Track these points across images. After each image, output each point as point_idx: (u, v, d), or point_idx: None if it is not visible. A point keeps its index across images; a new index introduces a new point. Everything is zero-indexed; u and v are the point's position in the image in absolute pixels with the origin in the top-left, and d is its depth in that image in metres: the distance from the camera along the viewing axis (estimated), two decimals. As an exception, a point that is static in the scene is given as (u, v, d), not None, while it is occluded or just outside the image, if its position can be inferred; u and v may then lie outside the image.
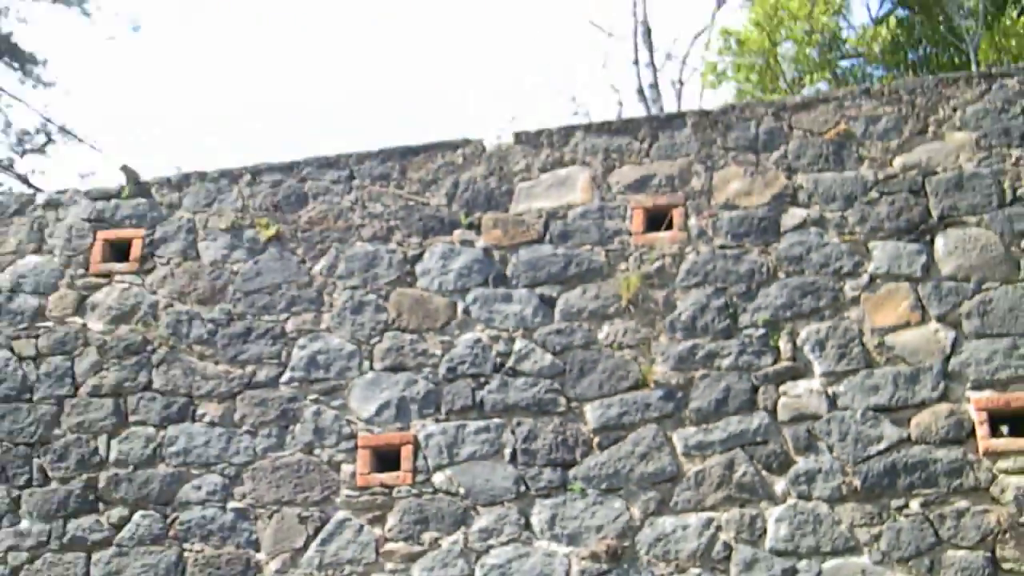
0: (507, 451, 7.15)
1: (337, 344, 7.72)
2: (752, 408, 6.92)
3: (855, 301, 7.08)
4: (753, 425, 6.88)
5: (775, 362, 7.03)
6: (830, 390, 6.89)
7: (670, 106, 20.71)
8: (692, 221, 7.56)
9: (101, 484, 7.62)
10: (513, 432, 7.18)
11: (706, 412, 6.96)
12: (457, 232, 7.91)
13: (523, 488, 7.01)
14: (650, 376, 7.13)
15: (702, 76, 20.74)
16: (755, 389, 6.99)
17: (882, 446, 6.69)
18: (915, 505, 6.52)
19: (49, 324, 8.24)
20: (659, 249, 7.49)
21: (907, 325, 6.96)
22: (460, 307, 7.66)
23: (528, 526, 6.94)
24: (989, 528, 6.38)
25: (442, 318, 7.66)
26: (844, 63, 19.33)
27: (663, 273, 7.41)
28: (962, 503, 6.48)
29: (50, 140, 25.01)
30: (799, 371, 6.97)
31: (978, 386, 6.74)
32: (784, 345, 7.05)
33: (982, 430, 6.61)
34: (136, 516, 7.46)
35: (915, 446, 6.65)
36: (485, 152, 8.18)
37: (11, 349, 8.16)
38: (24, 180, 24.36)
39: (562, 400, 7.21)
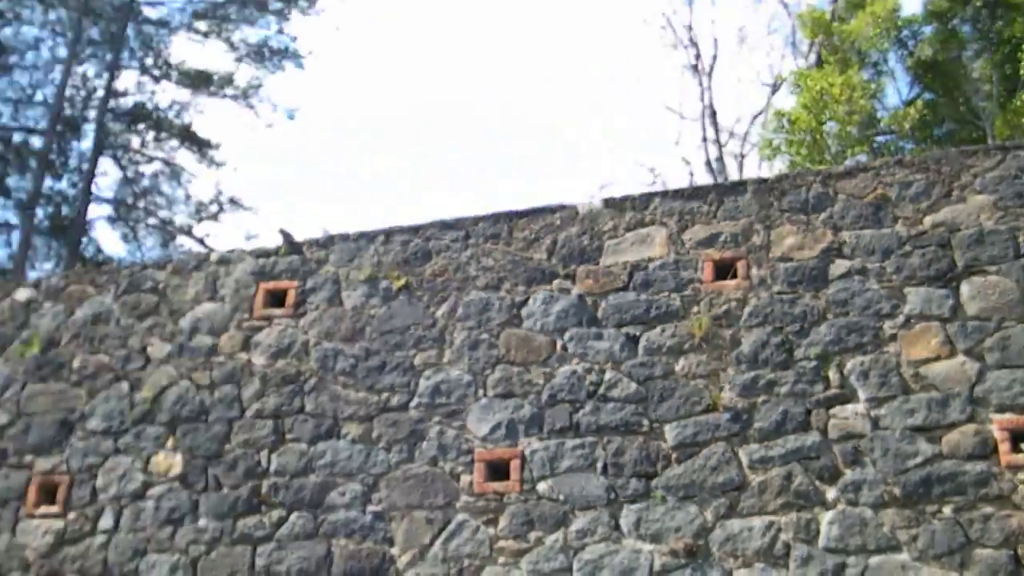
0: (599, 464, 7.84)
1: (457, 375, 8.53)
2: (807, 428, 7.53)
3: (893, 338, 7.65)
4: (808, 442, 7.48)
5: (826, 389, 7.61)
6: (873, 413, 7.44)
7: (733, 175, 21.84)
8: (754, 271, 8.19)
9: (263, 490, 8.51)
10: (604, 448, 7.88)
11: (767, 431, 7.60)
12: (556, 282, 8.65)
13: (613, 495, 7.71)
14: (719, 401, 7.78)
15: (760, 150, 21.61)
16: (809, 412, 7.57)
17: (918, 460, 7.21)
18: (947, 510, 7.03)
19: (221, 359, 9.22)
20: (726, 295, 8.16)
21: (938, 358, 7.52)
22: (559, 344, 8.39)
23: (617, 527, 7.61)
24: (1012, 530, 6.85)
25: (544, 353, 8.41)
26: (880, 139, 19.98)
27: (729, 315, 8.08)
28: (988, 509, 6.96)
29: (221, 209, 27.41)
30: (846, 397, 7.54)
31: (1000, 409, 7.22)
32: (833, 375, 7.65)
33: (1004, 447, 7.08)
34: (292, 516, 8.33)
35: (946, 460, 7.17)
36: (579, 215, 8.89)
37: (191, 379, 9.16)
38: (200, 242, 26.73)
39: (645, 422, 7.90)
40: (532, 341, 8.54)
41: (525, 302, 8.71)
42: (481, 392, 8.45)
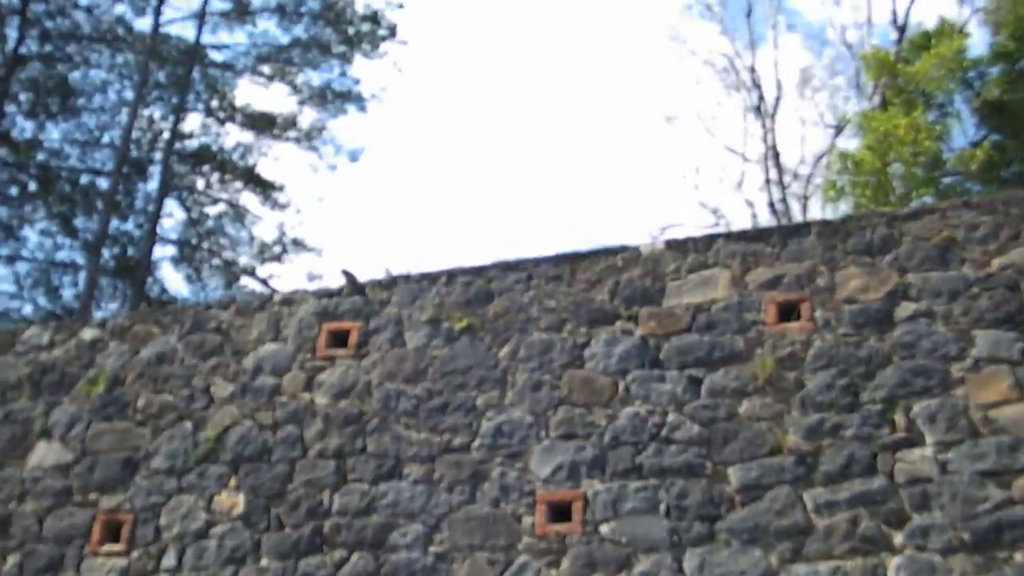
0: (662, 507, 7.90)
1: (519, 416, 8.68)
2: (873, 472, 7.55)
3: (961, 381, 7.69)
4: (874, 486, 7.50)
5: (892, 433, 7.66)
6: (940, 457, 7.45)
7: (797, 217, 22.03)
8: (818, 313, 8.30)
9: (326, 530, 8.64)
10: (667, 491, 7.94)
11: (833, 475, 7.62)
12: (618, 323, 8.81)
13: (676, 538, 7.76)
14: (784, 444, 7.85)
15: (823, 192, 21.70)
16: (875, 456, 7.60)
17: (988, 505, 7.19)
18: (1018, 556, 6.98)
19: (284, 399, 9.43)
20: (790, 337, 8.28)
21: (1007, 402, 7.55)
22: (621, 386, 8.52)
23: (681, 570, 7.64)
24: (1084, 578, 6.81)
25: (606, 395, 8.55)
26: (946, 180, 19.99)
27: (793, 357, 8.19)
28: (1059, 555, 6.90)
29: (285, 250, 28.18)
30: (913, 441, 7.58)
31: (1071, 454, 7.24)
32: (900, 418, 7.71)
33: (1076, 493, 7.05)
34: (354, 557, 8.46)
35: (1017, 505, 7.14)
36: (641, 256, 9.06)
37: (254, 419, 9.41)
38: (264, 283, 27.48)
39: (708, 464, 7.97)
40: (594, 383, 8.70)
41: (587, 343, 8.88)
42: (543, 433, 8.59)
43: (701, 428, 8.21)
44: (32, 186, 29.23)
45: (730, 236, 9.04)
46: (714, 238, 9.07)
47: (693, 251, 9.02)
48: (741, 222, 27.30)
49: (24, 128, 29.60)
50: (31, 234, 29.95)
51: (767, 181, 25.23)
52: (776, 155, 25.54)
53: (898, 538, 7.35)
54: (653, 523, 7.95)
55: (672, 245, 9.15)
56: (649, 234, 27.56)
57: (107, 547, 9.30)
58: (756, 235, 8.98)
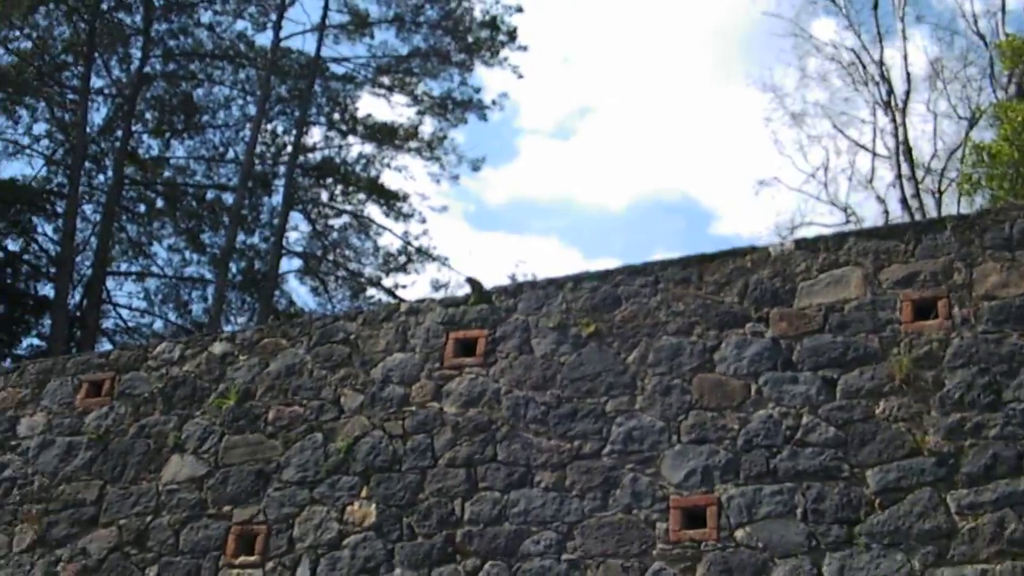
0: (799, 511, 8.08)
1: (649, 421, 8.95)
2: (1019, 472, 7.61)
3: None
4: (1021, 487, 7.55)
5: None
6: None
7: (930, 212, 21.94)
8: (955, 310, 8.38)
9: (458, 539, 9.03)
10: (803, 494, 8.12)
11: (976, 476, 7.71)
12: (748, 325, 9.02)
13: (814, 543, 7.94)
14: (923, 445, 7.97)
15: (958, 186, 21.63)
16: (1020, 456, 7.67)
17: None
18: None
19: (413, 408, 9.86)
20: (927, 335, 8.38)
21: None
22: (753, 388, 8.73)
23: (820, 575, 7.82)
24: None
25: (738, 398, 8.76)
26: None
27: (931, 356, 8.29)
28: None
29: (410, 260, 29.13)
30: None
31: None
32: None
33: None
34: (487, 565, 8.83)
35: None
36: (770, 257, 9.25)
37: (383, 429, 9.86)
38: (390, 293, 28.46)
39: (845, 467, 8.13)
40: (726, 386, 8.94)
41: (717, 346, 9.13)
42: (675, 438, 8.85)
43: (837, 430, 8.36)
44: (159, 203, 30.88)
45: (862, 234, 9.15)
46: (845, 236, 9.20)
47: (824, 250, 9.15)
48: (873, 219, 27.36)
49: (150, 146, 31.33)
50: (160, 250, 31.66)
51: (898, 177, 25.21)
52: (908, 150, 25.51)
53: (1048, 540, 7.48)
54: (790, 527, 8.14)
55: (802, 244, 9.32)
56: (778, 234, 27.68)
57: (242, 559, 9.86)
58: (889, 232, 9.09)
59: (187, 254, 31.35)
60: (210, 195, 31.16)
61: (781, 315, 9.04)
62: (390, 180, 33.46)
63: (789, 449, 8.44)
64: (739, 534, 8.27)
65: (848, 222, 26.17)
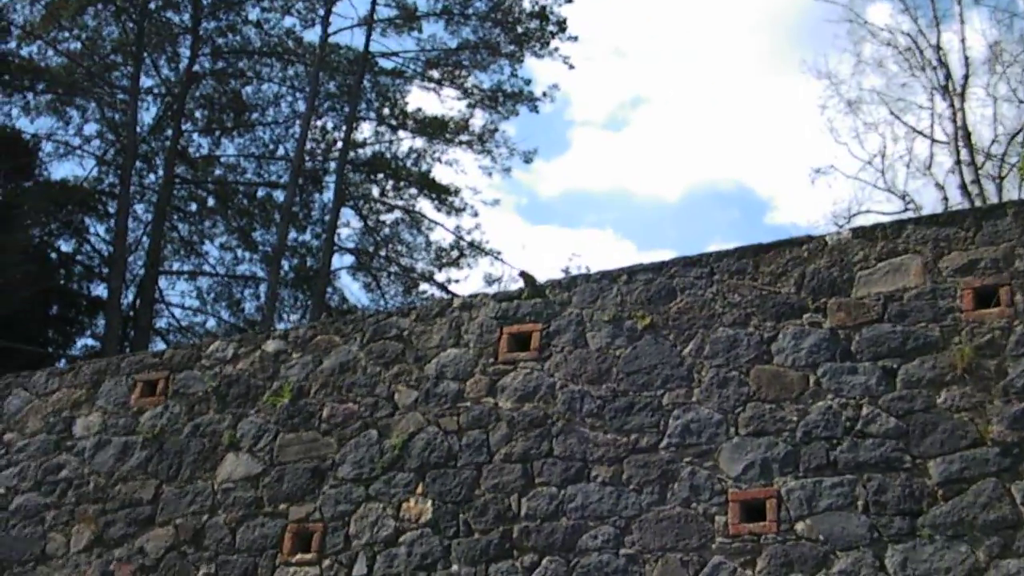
0: (860, 503, 8.18)
1: (707, 414, 9.07)
2: None
3: None
4: None
5: None
6: None
7: (991, 199, 21.80)
8: (1018, 298, 8.42)
9: (515, 535, 9.23)
10: (864, 486, 8.21)
11: None
12: (806, 316, 9.09)
13: (876, 535, 8.02)
14: (987, 435, 8.01)
15: (1019, 171, 21.54)
16: None
17: None
18: None
19: (467, 404, 10.06)
20: (989, 323, 8.42)
21: None
22: (812, 380, 8.82)
23: (883, 568, 7.91)
24: None
25: (796, 389, 8.85)
26: None
27: (993, 344, 8.33)
28: None
29: (462, 255, 29.53)
30: None
31: None
32: None
33: None
34: (544, 561, 9.01)
35: None
36: (827, 246, 9.31)
37: (438, 425, 10.08)
38: (443, 288, 28.91)
39: (907, 458, 8.21)
40: (784, 377, 9.05)
41: (774, 337, 9.22)
42: (733, 431, 8.97)
43: (898, 421, 8.44)
44: (211, 202, 31.52)
45: (921, 221, 9.21)
46: (904, 224, 9.26)
47: (882, 238, 9.22)
48: (932, 206, 27.25)
49: (200, 145, 32.03)
50: (211, 249, 32.42)
51: (957, 163, 25.11)
52: (967, 135, 25.37)
53: (1116, 530, 7.56)
54: (851, 520, 8.22)
55: (859, 233, 9.38)
56: (835, 223, 27.61)
57: (299, 556, 10.12)
58: (949, 219, 9.13)
59: (239, 252, 32.05)
60: (261, 193, 31.76)
61: (839, 305, 9.11)
62: (441, 174, 33.91)
63: (849, 441, 8.51)
64: (799, 527, 8.36)
65: (906, 210, 26.07)
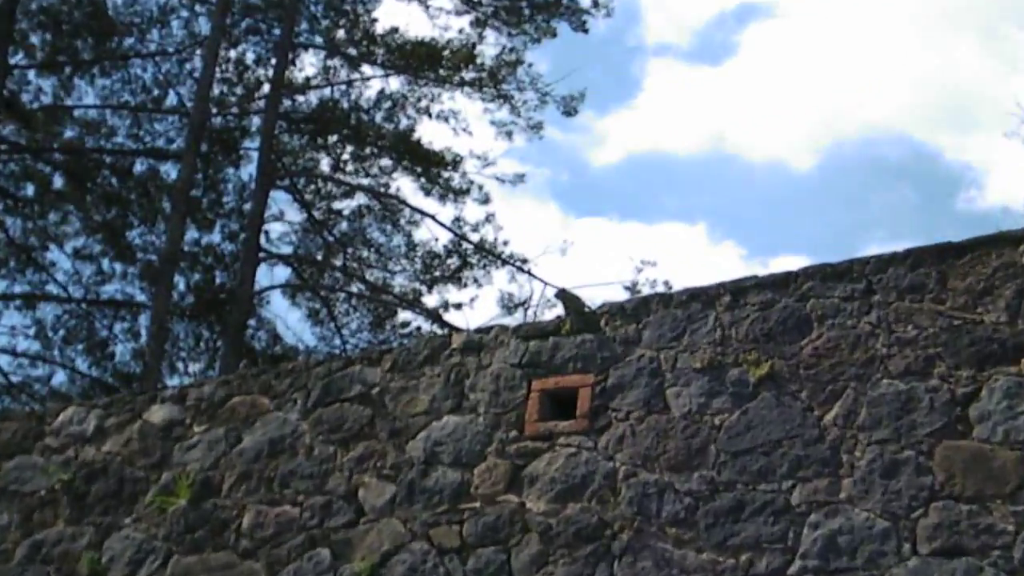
0: None
1: (864, 520, 8.44)
2: None
3: None
4: None
5: None
6: None
7: None
8: None
9: None
10: None
11: None
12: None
13: None
14: None
15: None
16: None
17: None
18: None
19: (476, 505, 9.56)
20: None
21: None
22: None
23: None
24: None
25: (1012, 481, 8.16)
26: None
27: None
28: None
29: (465, 263, 28.17)
30: None
31: None
32: None
33: None
34: None
35: None
36: None
37: (428, 539, 9.53)
38: (434, 317, 27.67)
39: None
40: (990, 461, 8.37)
41: (975, 395, 8.59)
42: (907, 548, 8.31)
43: None
44: (58, 181, 30.76)
45: None
46: None
47: None
48: None
49: (40, 89, 29.74)
50: (60, 258, 30.52)
51: None
52: None
53: None
54: None
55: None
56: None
57: None
58: None
59: (104, 263, 29.85)
60: (139, 167, 29.63)
61: (1080, 344, 8.24)
62: (431, 135, 32.15)
63: (1096, 563, 7.71)
64: None
65: None
